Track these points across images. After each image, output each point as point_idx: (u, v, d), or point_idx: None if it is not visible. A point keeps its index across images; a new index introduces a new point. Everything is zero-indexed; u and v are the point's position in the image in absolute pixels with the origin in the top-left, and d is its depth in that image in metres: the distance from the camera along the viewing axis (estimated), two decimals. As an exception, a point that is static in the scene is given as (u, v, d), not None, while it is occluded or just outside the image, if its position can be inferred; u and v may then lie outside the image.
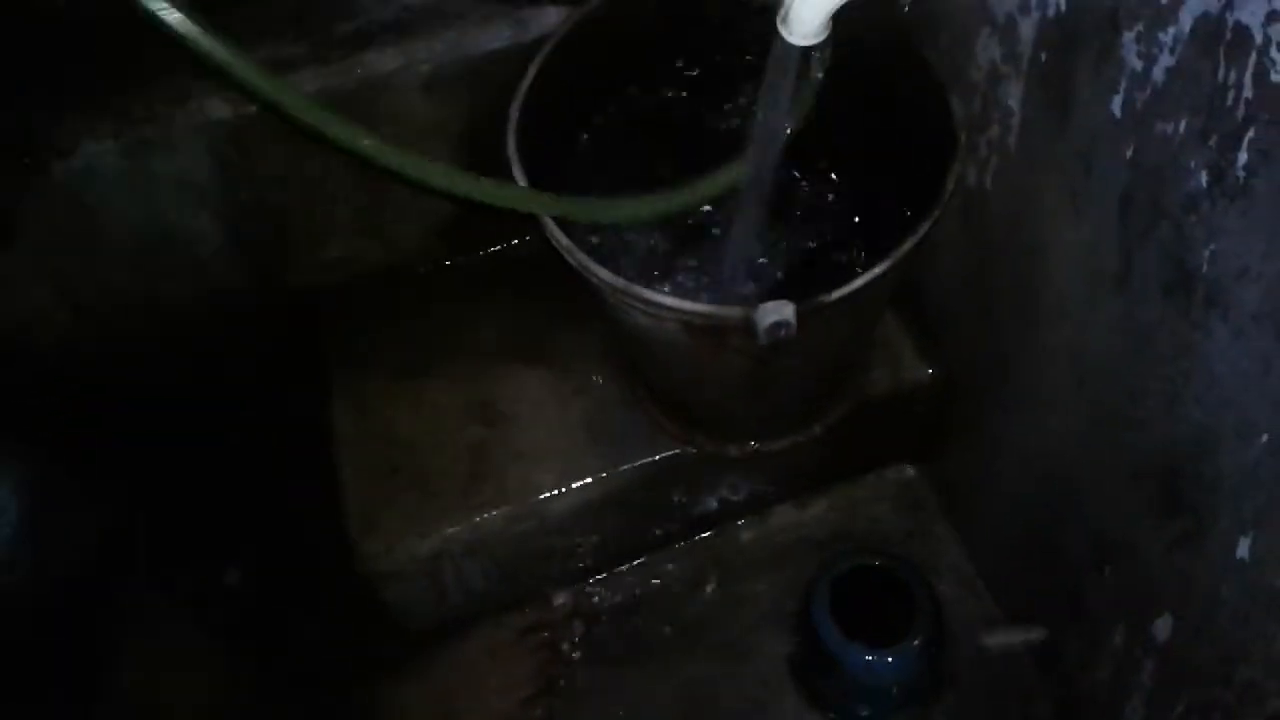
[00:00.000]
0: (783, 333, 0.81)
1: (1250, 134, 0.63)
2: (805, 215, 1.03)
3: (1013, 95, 0.87)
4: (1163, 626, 0.89)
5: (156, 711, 1.06)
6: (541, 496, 1.12)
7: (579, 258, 0.86)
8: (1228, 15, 0.62)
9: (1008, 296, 0.99)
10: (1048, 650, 1.14)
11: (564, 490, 1.12)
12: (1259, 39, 0.60)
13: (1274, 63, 0.59)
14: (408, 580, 1.14)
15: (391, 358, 1.21)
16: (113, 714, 1.01)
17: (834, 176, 1.04)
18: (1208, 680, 0.84)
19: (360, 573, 1.11)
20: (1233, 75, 0.63)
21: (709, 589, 1.26)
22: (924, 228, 0.84)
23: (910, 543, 1.27)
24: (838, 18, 0.69)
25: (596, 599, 1.26)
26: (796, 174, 1.04)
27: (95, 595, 1.06)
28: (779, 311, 0.80)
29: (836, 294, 0.83)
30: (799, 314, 0.81)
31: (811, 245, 1.02)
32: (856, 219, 1.02)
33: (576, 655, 1.21)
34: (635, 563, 1.28)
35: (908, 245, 0.84)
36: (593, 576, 1.27)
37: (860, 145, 1.02)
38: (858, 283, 0.83)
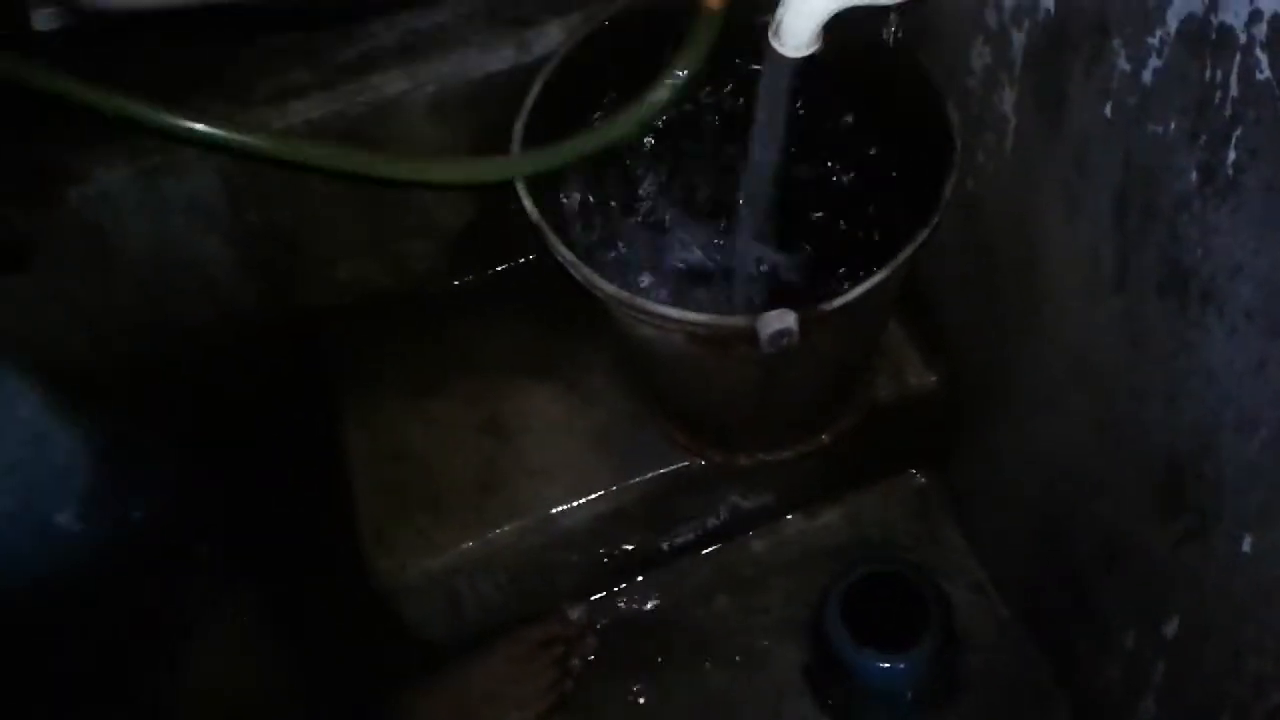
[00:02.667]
0: (785, 341, 0.82)
1: (1238, 132, 0.64)
2: (807, 224, 1.05)
3: (1007, 101, 0.88)
4: (1172, 624, 0.89)
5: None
6: (553, 511, 1.13)
7: (583, 272, 0.88)
8: (1212, 17, 0.63)
9: (1009, 301, 1.00)
10: (1061, 653, 1.15)
11: (575, 504, 1.13)
12: (1243, 39, 0.61)
13: (1259, 62, 0.60)
14: (422, 596, 1.16)
15: (402, 376, 1.22)
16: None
17: (835, 184, 1.05)
18: (1217, 675, 0.84)
19: (375, 589, 1.12)
20: (1219, 75, 0.64)
21: (722, 600, 1.27)
22: (922, 235, 0.85)
23: (921, 549, 1.28)
24: (830, 29, 0.70)
25: (610, 611, 1.27)
26: (798, 182, 1.05)
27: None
28: (781, 320, 0.82)
29: (838, 301, 0.84)
30: (801, 322, 0.82)
31: (814, 254, 1.03)
32: (858, 226, 1.03)
33: (591, 668, 1.22)
34: (648, 575, 1.28)
35: (906, 252, 0.85)
36: (606, 589, 1.28)
37: (860, 153, 1.04)
38: (859, 290, 0.84)
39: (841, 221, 1.03)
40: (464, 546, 1.12)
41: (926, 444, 1.28)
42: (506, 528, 1.12)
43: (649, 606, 1.27)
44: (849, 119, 1.03)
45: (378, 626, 1.18)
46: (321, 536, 1.23)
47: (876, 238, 1.02)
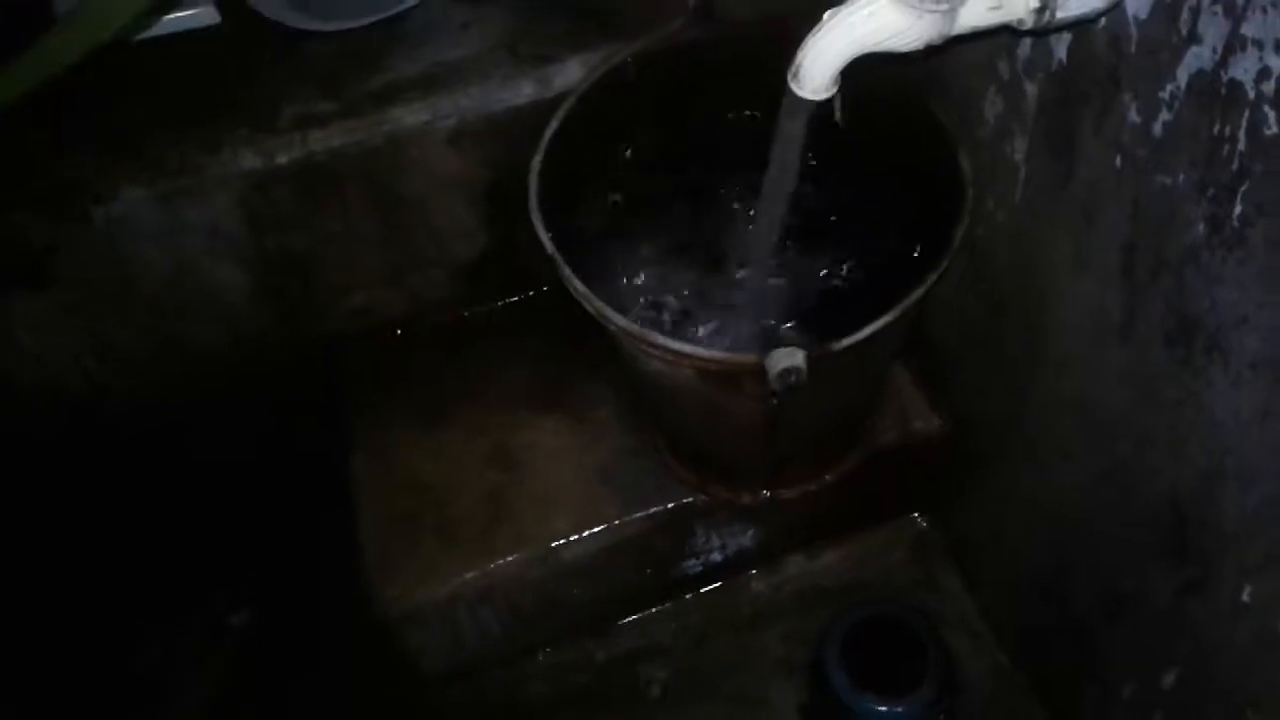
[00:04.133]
0: (793, 379, 0.83)
1: (1245, 186, 0.65)
2: (817, 265, 1.06)
3: (1018, 150, 0.89)
4: (1170, 676, 0.89)
5: None
6: (556, 543, 1.13)
7: (596, 304, 0.89)
8: (1222, 72, 0.64)
9: (1015, 347, 1.01)
10: (1060, 703, 1.14)
11: (578, 537, 1.14)
12: (1252, 95, 0.62)
13: (1267, 117, 0.62)
14: (424, 625, 1.16)
15: (411, 405, 1.23)
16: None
17: (846, 225, 1.07)
18: (1216, 728, 0.84)
19: (377, 617, 1.12)
20: (1228, 130, 0.65)
21: (720, 638, 1.27)
22: (931, 278, 0.86)
23: (921, 593, 1.28)
24: (847, 73, 0.72)
25: (609, 646, 1.27)
26: (811, 221, 1.07)
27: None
28: (790, 358, 0.83)
29: (846, 342, 0.85)
30: (809, 360, 0.83)
31: (824, 294, 1.05)
32: (869, 268, 1.04)
33: (588, 703, 1.22)
34: (648, 611, 1.28)
35: (915, 295, 0.86)
36: (606, 623, 1.28)
37: (872, 196, 1.05)
38: (866, 331, 0.85)
39: (852, 262, 1.04)
40: (467, 576, 1.12)
41: (929, 488, 1.29)
42: (510, 558, 1.13)
43: (648, 642, 1.27)
44: (862, 163, 1.04)
45: (375, 657, 1.18)
46: (325, 563, 1.23)
47: (886, 280, 1.03)
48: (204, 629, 1.26)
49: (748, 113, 1.08)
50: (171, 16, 1.12)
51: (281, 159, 1.07)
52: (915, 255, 0.95)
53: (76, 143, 1.02)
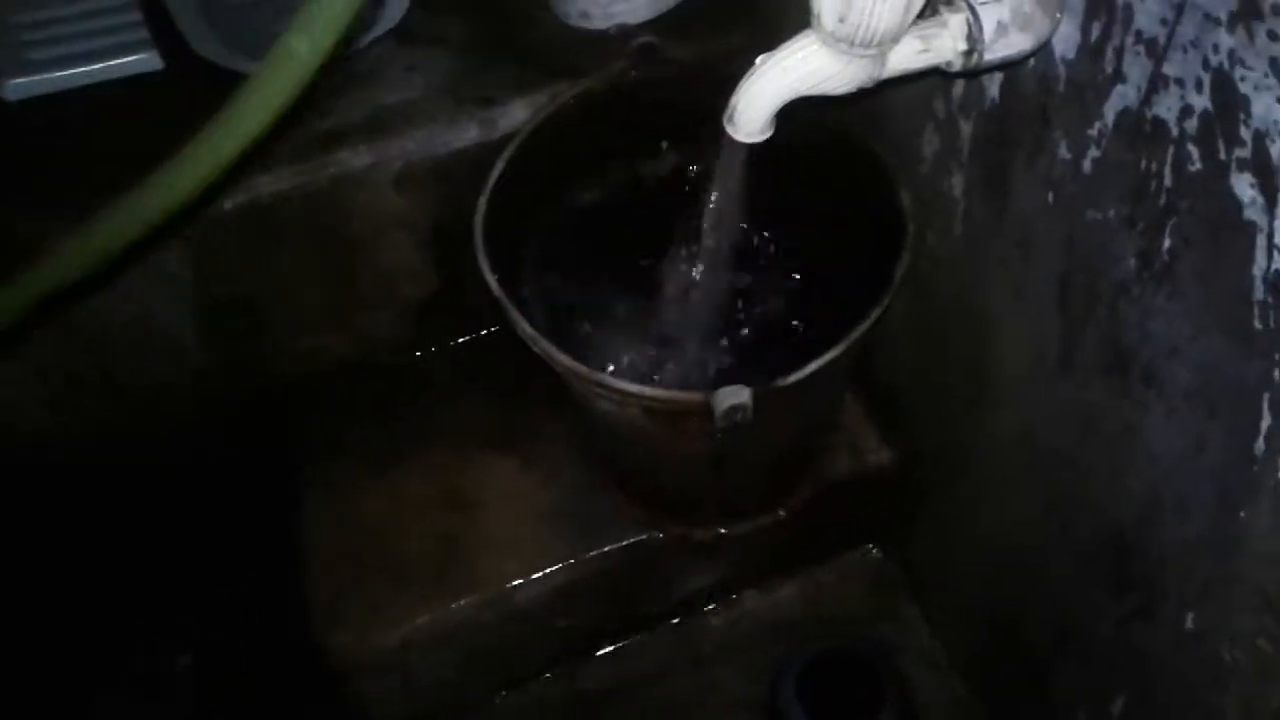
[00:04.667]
0: (739, 416, 0.83)
1: (1173, 221, 0.66)
2: (764, 301, 1.07)
3: (956, 187, 0.91)
4: (1120, 702, 0.90)
5: None
6: (509, 584, 1.13)
7: (542, 345, 0.89)
8: (1146, 110, 0.66)
9: (960, 379, 1.02)
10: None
11: (532, 578, 1.13)
12: (1175, 132, 0.64)
13: (1190, 154, 0.63)
14: (377, 671, 1.14)
15: (362, 447, 1.22)
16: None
17: (789, 262, 1.08)
18: (1164, 755, 0.85)
19: (328, 663, 1.11)
20: (1154, 166, 0.67)
21: (677, 676, 1.26)
22: (874, 314, 0.87)
23: (878, 625, 1.28)
24: (784, 115, 0.73)
25: (565, 687, 1.26)
26: (755, 259, 1.08)
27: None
28: (736, 396, 0.83)
29: (791, 378, 0.86)
30: (755, 397, 0.83)
31: (771, 331, 1.05)
32: (813, 304, 1.05)
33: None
34: (604, 650, 1.28)
35: (859, 330, 0.87)
36: (561, 664, 1.27)
37: (815, 233, 1.06)
38: (811, 367, 0.86)
39: (798, 298, 1.05)
40: (420, 621, 1.11)
41: (884, 520, 1.29)
42: (463, 602, 1.12)
43: (605, 681, 1.26)
44: (805, 200, 1.05)
45: (327, 704, 1.17)
46: (272, 611, 1.22)
47: (831, 315, 1.03)
48: (150, 674, 1.24)
49: (691, 150, 1.09)
50: (114, 63, 1.12)
51: (226, 205, 1.06)
52: (860, 290, 0.96)
53: (9, 197, 1.00)
